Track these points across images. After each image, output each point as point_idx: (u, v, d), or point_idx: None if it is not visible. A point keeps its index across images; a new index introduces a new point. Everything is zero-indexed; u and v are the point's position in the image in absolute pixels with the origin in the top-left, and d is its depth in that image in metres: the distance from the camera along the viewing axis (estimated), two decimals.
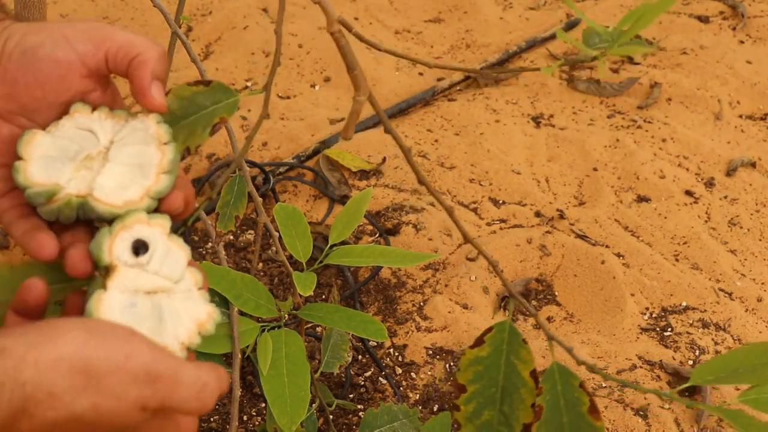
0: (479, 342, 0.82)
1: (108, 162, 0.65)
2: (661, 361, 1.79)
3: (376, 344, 1.81)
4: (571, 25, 2.82)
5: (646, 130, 2.40)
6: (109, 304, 0.60)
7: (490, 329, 0.82)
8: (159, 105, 0.65)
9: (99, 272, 0.63)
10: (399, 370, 1.77)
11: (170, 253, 0.65)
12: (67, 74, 0.63)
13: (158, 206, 0.66)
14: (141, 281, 0.62)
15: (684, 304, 1.92)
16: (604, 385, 1.75)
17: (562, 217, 2.11)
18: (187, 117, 0.75)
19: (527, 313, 1.93)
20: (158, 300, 0.63)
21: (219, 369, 0.60)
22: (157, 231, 0.64)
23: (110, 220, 0.64)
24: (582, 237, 2.06)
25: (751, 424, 0.69)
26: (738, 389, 1.68)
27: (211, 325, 0.63)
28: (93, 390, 0.54)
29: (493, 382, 0.81)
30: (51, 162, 0.63)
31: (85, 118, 0.65)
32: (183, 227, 0.71)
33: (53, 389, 0.53)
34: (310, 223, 1.85)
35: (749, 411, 0.71)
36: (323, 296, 1.89)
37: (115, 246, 0.62)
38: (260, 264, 1.97)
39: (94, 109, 0.66)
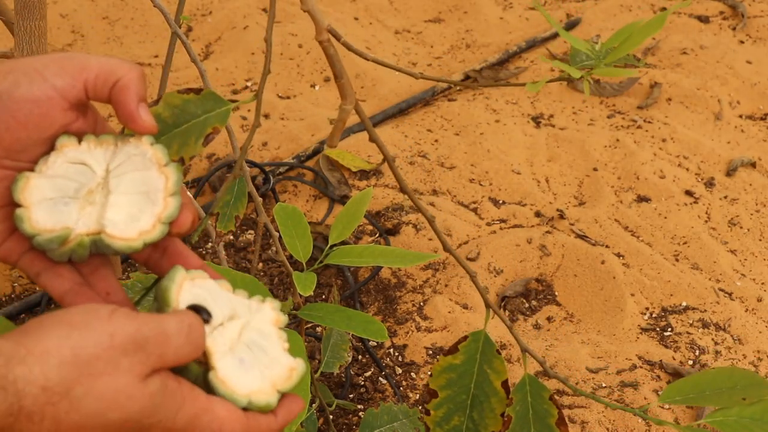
0: (453, 350, 0.83)
1: (111, 193, 0.63)
2: (661, 361, 1.79)
3: (376, 344, 1.81)
4: (571, 25, 2.82)
5: (646, 130, 2.40)
6: (227, 375, 0.60)
7: (465, 338, 0.83)
8: (150, 127, 0.64)
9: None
10: (399, 370, 1.77)
11: (224, 295, 0.64)
12: (49, 111, 0.62)
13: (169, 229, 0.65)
14: (229, 336, 0.62)
15: (684, 304, 1.92)
16: (604, 385, 1.75)
17: (562, 217, 2.11)
18: (179, 125, 0.75)
19: (527, 313, 1.93)
20: (252, 341, 0.63)
21: (190, 313, 0.60)
22: (207, 284, 0.64)
23: (126, 253, 0.63)
24: (582, 237, 2.06)
25: None
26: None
27: (295, 378, 0.63)
28: (86, 377, 0.54)
29: (465, 389, 0.82)
30: (53, 204, 0.62)
31: (74, 151, 0.63)
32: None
33: (46, 383, 0.53)
34: (310, 223, 1.85)
35: None
36: (323, 296, 1.89)
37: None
38: (260, 264, 1.97)
39: (80, 139, 0.64)
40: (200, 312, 0.60)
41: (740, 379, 0.75)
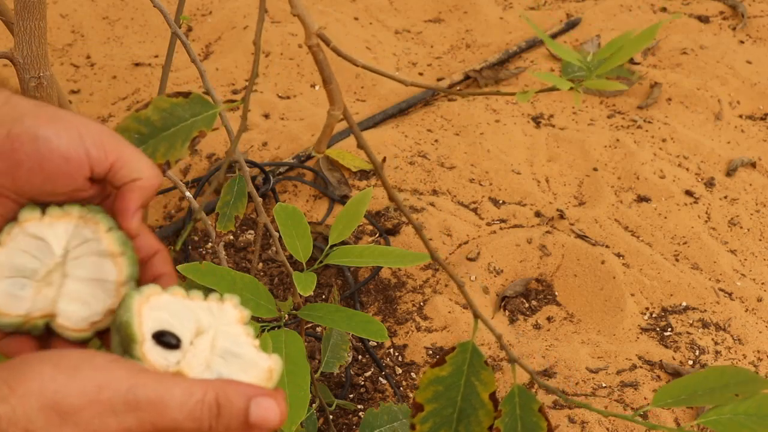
0: (440, 361, 0.82)
1: (67, 278, 0.63)
2: (661, 361, 1.79)
3: (376, 344, 1.81)
4: (571, 25, 2.82)
5: (646, 130, 2.40)
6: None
7: (452, 349, 0.82)
8: (134, 231, 0.64)
9: None
10: (399, 370, 1.77)
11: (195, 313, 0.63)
12: (74, 173, 0.62)
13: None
14: (202, 353, 0.60)
15: (684, 304, 1.92)
16: (604, 385, 1.75)
17: (562, 217, 2.11)
18: (167, 129, 0.76)
19: (527, 313, 1.93)
20: (224, 350, 0.62)
21: (200, 386, 0.56)
22: (163, 301, 0.62)
23: (79, 341, 0.63)
24: (582, 237, 2.06)
25: None
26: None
27: (275, 377, 0.62)
28: (70, 426, 0.51)
29: (451, 402, 0.81)
30: (12, 286, 0.62)
31: (35, 227, 0.63)
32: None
33: (28, 426, 0.51)
34: (310, 223, 1.85)
35: None
36: (323, 296, 1.89)
37: (146, 351, 0.59)
38: (260, 264, 1.97)
39: (43, 211, 0.64)
40: (166, 337, 0.59)
41: (732, 376, 0.75)
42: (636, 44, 0.72)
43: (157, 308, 0.60)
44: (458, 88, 2.58)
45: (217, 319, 0.62)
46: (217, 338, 0.61)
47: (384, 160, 2.23)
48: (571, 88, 0.72)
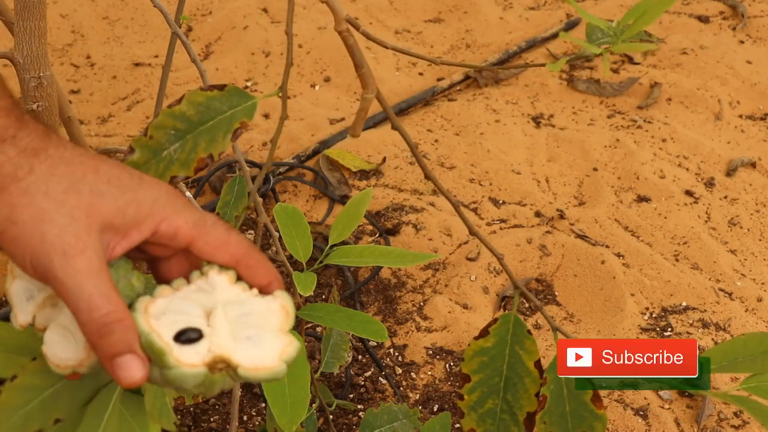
0: (484, 333, 0.83)
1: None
2: None
3: (376, 344, 1.81)
4: (571, 25, 2.82)
5: (646, 130, 2.40)
6: (252, 361, 0.60)
7: (495, 320, 0.83)
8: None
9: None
10: (399, 370, 1.77)
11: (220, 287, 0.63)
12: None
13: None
14: (223, 330, 0.61)
15: (684, 304, 1.92)
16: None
17: (562, 217, 2.11)
18: (205, 122, 0.75)
19: (527, 313, 1.93)
20: (239, 316, 0.62)
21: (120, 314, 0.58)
22: (163, 304, 0.62)
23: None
24: (582, 237, 2.06)
25: (758, 408, 0.70)
26: (734, 380, 1.68)
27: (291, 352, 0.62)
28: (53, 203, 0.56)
29: (497, 372, 0.82)
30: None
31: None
32: None
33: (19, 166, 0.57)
34: (310, 223, 1.85)
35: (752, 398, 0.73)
36: (323, 296, 1.89)
37: (177, 355, 0.59)
38: None
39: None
40: (187, 334, 0.60)
41: None
42: (658, 8, 0.72)
43: (160, 314, 0.60)
44: (458, 88, 2.58)
45: (214, 293, 0.62)
46: (225, 309, 0.62)
47: (384, 160, 2.23)
48: (599, 54, 0.73)
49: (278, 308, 0.62)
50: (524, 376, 0.81)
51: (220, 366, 0.59)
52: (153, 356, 0.58)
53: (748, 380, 0.74)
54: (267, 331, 0.61)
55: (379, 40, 0.78)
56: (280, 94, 0.83)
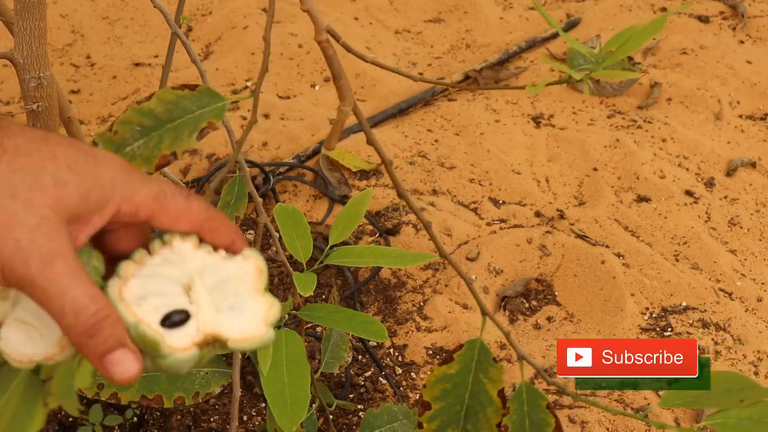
0: (448, 359, 0.81)
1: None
2: None
3: (376, 344, 1.81)
4: (571, 25, 2.82)
5: (646, 130, 2.40)
6: (238, 332, 0.58)
7: (460, 346, 0.81)
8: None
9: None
10: (399, 370, 1.77)
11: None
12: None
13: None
14: (205, 302, 0.59)
15: (684, 304, 1.92)
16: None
17: (562, 217, 2.11)
18: (172, 121, 0.75)
19: (527, 313, 1.93)
20: (216, 284, 0.60)
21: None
22: (138, 284, 0.60)
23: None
24: (582, 237, 2.06)
25: None
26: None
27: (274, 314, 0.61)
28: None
29: (459, 400, 0.80)
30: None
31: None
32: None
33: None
34: (310, 223, 1.85)
35: None
36: (323, 296, 1.89)
37: (171, 342, 0.57)
38: None
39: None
40: (173, 317, 0.58)
41: (736, 382, 0.76)
42: (642, 36, 0.72)
43: (139, 300, 0.58)
44: (458, 88, 2.58)
45: (183, 263, 0.61)
46: (202, 280, 0.60)
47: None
48: (580, 80, 0.72)
49: (252, 269, 0.61)
50: (487, 406, 0.79)
51: (210, 342, 0.58)
52: (145, 347, 0.56)
53: (714, 416, 0.75)
54: (245, 297, 0.60)
55: (358, 53, 0.78)
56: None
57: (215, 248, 0.62)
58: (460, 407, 0.80)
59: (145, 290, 0.58)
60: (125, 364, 0.54)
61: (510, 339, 0.81)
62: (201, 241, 0.62)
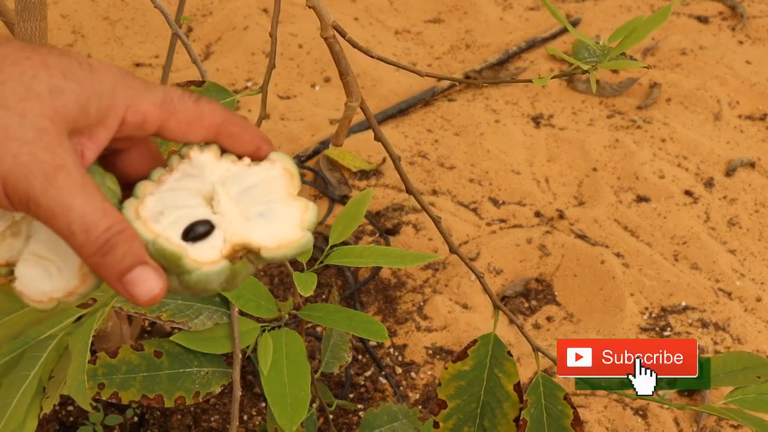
0: (462, 355, 0.80)
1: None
2: None
3: (376, 344, 1.81)
4: (571, 25, 2.82)
5: (646, 130, 2.40)
6: (270, 241, 0.53)
7: (474, 342, 0.81)
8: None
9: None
10: (399, 370, 1.77)
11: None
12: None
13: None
14: (231, 211, 0.54)
15: (683, 304, 1.92)
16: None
17: (561, 217, 2.11)
18: None
19: (527, 313, 1.93)
20: (242, 191, 0.55)
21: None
22: (156, 200, 0.54)
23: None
24: (582, 237, 2.06)
25: (746, 418, 0.72)
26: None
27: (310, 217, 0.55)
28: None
29: (475, 397, 0.79)
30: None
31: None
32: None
33: None
34: None
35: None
36: (323, 296, 1.89)
37: (195, 256, 0.52)
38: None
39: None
40: (196, 228, 0.52)
41: (749, 361, 0.77)
42: (646, 28, 0.72)
43: (157, 216, 0.53)
44: (458, 88, 2.58)
45: (204, 175, 0.55)
46: (225, 189, 0.55)
47: (384, 160, 2.23)
48: (586, 71, 0.73)
49: (280, 172, 0.55)
50: (503, 401, 0.78)
51: (241, 254, 0.52)
52: (167, 264, 0.51)
53: (733, 393, 0.77)
54: (277, 202, 0.54)
55: (363, 48, 0.78)
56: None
57: (239, 157, 0.56)
58: (476, 404, 0.79)
59: (162, 206, 0.53)
60: (148, 283, 0.49)
61: (524, 331, 0.81)
62: (223, 151, 0.56)
